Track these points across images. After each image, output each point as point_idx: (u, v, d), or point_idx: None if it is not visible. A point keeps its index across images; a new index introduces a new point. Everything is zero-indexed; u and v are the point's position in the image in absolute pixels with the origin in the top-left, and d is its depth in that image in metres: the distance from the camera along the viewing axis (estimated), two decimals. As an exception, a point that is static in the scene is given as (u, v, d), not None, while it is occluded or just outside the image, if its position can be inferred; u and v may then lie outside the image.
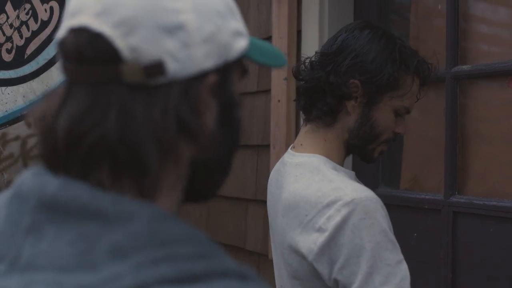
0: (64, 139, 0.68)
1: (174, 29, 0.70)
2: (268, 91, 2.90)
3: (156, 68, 0.69)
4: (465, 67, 2.19)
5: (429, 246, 2.30)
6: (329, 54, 1.51)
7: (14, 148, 2.24)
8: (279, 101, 2.75)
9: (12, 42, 2.14)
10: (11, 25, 2.15)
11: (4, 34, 2.16)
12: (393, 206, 2.46)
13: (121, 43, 0.68)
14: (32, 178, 0.69)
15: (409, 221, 2.38)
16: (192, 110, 0.71)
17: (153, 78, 0.69)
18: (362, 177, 2.55)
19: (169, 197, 0.72)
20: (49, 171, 0.70)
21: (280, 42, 2.76)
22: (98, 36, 0.68)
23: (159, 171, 0.69)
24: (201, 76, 0.72)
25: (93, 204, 0.66)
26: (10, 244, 0.67)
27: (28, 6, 2.13)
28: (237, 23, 0.77)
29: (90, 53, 0.69)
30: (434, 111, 2.33)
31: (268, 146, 2.87)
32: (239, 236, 3.16)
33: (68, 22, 0.71)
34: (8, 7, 2.16)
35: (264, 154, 2.92)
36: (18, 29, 2.14)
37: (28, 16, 2.14)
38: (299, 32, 2.73)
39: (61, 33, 0.72)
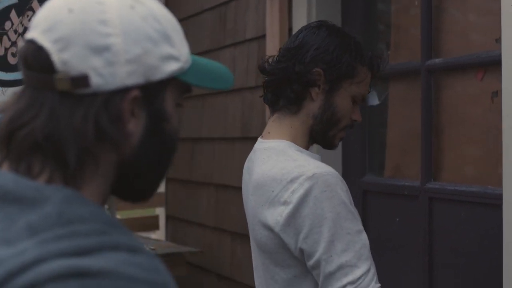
0: (5, 131, 0.85)
1: (101, 49, 0.83)
2: (265, 86, 3.04)
3: (82, 80, 0.83)
4: (437, 60, 2.31)
5: (409, 230, 2.43)
6: (293, 49, 1.66)
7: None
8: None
9: (16, 47, 2.33)
10: (15, 31, 2.34)
11: (9, 39, 2.35)
12: (378, 193, 2.60)
13: (56, 56, 0.83)
14: None
15: (392, 207, 2.52)
16: (111, 119, 0.83)
17: (79, 89, 0.83)
18: (350, 166, 2.70)
19: (92, 188, 0.85)
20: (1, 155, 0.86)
21: (272, 40, 2.91)
22: (40, 49, 0.84)
23: (81, 166, 0.83)
24: (123, 91, 0.84)
25: (16, 191, 0.81)
26: None
27: (30, 13, 2.32)
28: (170, 48, 0.88)
29: (33, 62, 0.85)
30: (412, 103, 2.45)
31: (265, 138, 3.01)
32: (243, 223, 3.31)
33: (27, 34, 0.88)
34: (13, 14, 2.35)
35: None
36: (22, 34, 2.33)
37: (30, 23, 2.32)
38: (290, 30, 2.88)
39: (21, 42, 0.89)
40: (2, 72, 2.30)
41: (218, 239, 3.58)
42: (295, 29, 2.82)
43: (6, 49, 2.31)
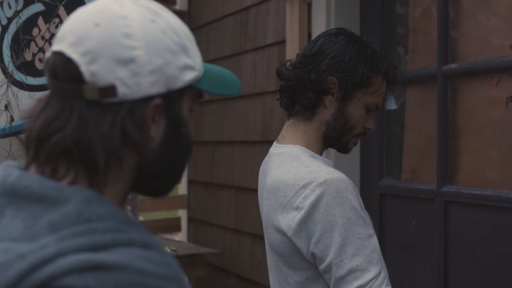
0: (35, 138, 0.91)
1: (126, 61, 0.90)
2: (285, 90, 3.08)
3: (109, 90, 0.89)
4: (453, 65, 2.35)
5: (425, 233, 2.46)
6: (310, 56, 1.70)
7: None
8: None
9: (43, 52, 2.40)
10: (42, 37, 2.42)
11: (37, 45, 2.43)
12: (395, 196, 2.64)
13: (85, 68, 0.89)
14: (1, 169, 0.92)
15: (408, 210, 2.55)
16: (136, 125, 0.90)
17: (106, 98, 0.89)
18: (368, 170, 2.74)
19: (114, 190, 0.92)
20: (25, 159, 0.93)
21: (292, 45, 2.96)
22: (69, 61, 0.90)
23: (105, 169, 0.90)
24: (147, 99, 0.91)
25: (40, 191, 0.87)
26: None
27: (57, 20, 2.40)
28: (187, 59, 0.95)
29: (62, 73, 0.91)
30: (428, 107, 2.49)
31: (285, 141, 3.06)
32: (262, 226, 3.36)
33: (53, 46, 0.94)
34: (40, 21, 2.43)
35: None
36: (49, 40, 2.41)
37: (57, 29, 2.40)
38: (309, 35, 2.92)
39: (47, 54, 0.94)
40: (30, 77, 2.38)
41: (238, 240, 3.63)
42: (314, 34, 2.87)
43: (34, 55, 2.40)
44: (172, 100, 0.94)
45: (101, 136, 0.89)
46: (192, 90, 0.97)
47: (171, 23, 0.95)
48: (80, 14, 0.94)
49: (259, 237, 3.38)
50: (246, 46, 3.56)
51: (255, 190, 3.38)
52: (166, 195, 1.01)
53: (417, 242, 2.50)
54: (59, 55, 0.91)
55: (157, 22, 0.93)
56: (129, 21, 0.91)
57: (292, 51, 2.95)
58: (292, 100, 1.73)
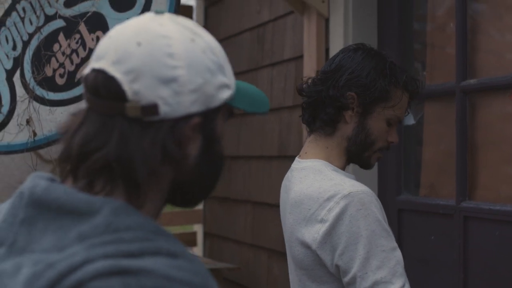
0: (76, 154, 0.92)
1: (169, 81, 0.90)
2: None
3: (152, 109, 0.90)
4: (472, 81, 2.35)
5: (444, 248, 2.45)
6: (329, 72, 1.72)
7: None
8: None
9: (64, 68, 2.43)
10: (63, 53, 2.44)
11: (57, 61, 2.45)
12: (413, 212, 2.63)
13: (127, 87, 0.90)
14: (30, 180, 0.93)
15: (427, 225, 2.54)
16: (175, 143, 0.91)
17: (148, 116, 0.90)
18: (386, 185, 2.74)
19: (153, 205, 0.94)
20: (61, 174, 0.94)
21: (310, 60, 2.97)
22: (111, 79, 0.91)
23: (145, 185, 0.91)
24: (187, 118, 0.92)
25: (70, 203, 0.88)
26: (9, 232, 0.89)
27: (77, 36, 2.42)
28: (224, 77, 0.96)
29: (103, 91, 0.91)
30: (447, 123, 2.49)
31: (302, 156, 3.06)
32: (279, 240, 3.36)
33: (93, 64, 0.94)
34: (61, 37, 2.45)
35: (300, 165, 3.11)
36: (69, 56, 2.44)
37: (78, 45, 2.43)
38: (327, 50, 2.94)
39: (86, 70, 0.95)
40: (51, 92, 2.41)
41: (255, 256, 3.63)
42: (332, 50, 2.88)
43: (54, 70, 2.42)
44: (209, 118, 0.95)
45: (142, 153, 0.90)
46: (225, 108, 0.98)
47: (209, 43, 0.97)
48: (120, 32, 0.95)
49: (276, 253, 3.37)
50: (263, 62, 3.57)
51: (271, 205, 3.38)
52: (195, 206, 1.03)
53: (436, 257, 2.49)
54: (100, 73, 0.92)
55: (196, 41, 0.95)
56: (170, 41, 0.92)
57: (309, 67, 2.96)
58: (313, 116, 1.74)
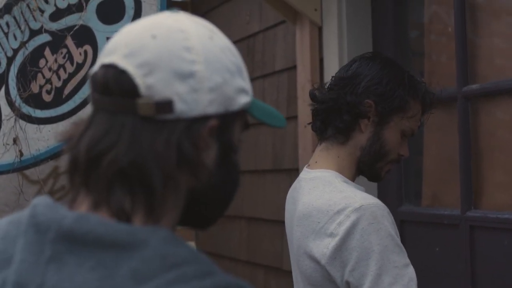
0: (84, 160, 0.81)
1: (186, 76, 0.82)
2: (296, 117, 3.03)
3: (166, 105, 0.81)
4: (474, 86, 2.29)
5: (449, 259, 2.38)
6: (346, 78, 1.65)
7: (66, 180, 2.43)
8: (305, 126, 2.88)
9: (51, 84, 2.34)
10: (50, 69, 2.35)
11: (44, 77, 2.37)
12: (416, 223, 2.56)
13: (140, 81, 0.81)
14: (47, 211, 0.81)
15: (431, 236, 2.47)
16: (192, 146, 0.82)
17: (162, 114, 0.81)
18: (387, 196, 2.66)
19: (171, 218, 0.84)
20: (71, 188, 0.83)
21: (304, 70, 2.91)
22: (123, 72, 0.82)
23: (162, 193, 0.81)
24: (204, 119, 0.83)
25: (108, 236, 0.77)
26: (34, 272, 0.78)
27: (64, 50, 2.34)
28: (243, 81, 0.88)
29: (114, 86, 0.82)
30: (448, 130, 2.42)
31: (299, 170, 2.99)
32: (276, 256, 3.28)
33: (102, 60, 0.85)
34: (47, 52, 2.37)
35: (296, 178, 3.04)
36: (56, 72, 2.35)
37: (65, 60, 2.34)
38: (321, 60, 2.87)
39: (94, 68, 0.86)
40: (38, 110, 2.31)
41: (251, 273, 3.54)
42: (326, 59, 2.82)
43: (41, 87, 2.33)
44: (227, 124, 0.86)
45: (155, 156, 0.80)
46: (243, 117, 0.89)
47: (227, 43, 0.89)
48: (132, 27, 0.87)
49: (273, 269, 3.29)
50: (254, 73, 3.50)
51: (267, 221, 3.31)
52: (208, 227, 0.92)
53: (442, 270, 2.42)
54: (111, 67, 0.83)
55: (215, 39, 0.87)
56: (187, 35, 0.84)
57: (304, 77, 2.89)
58: (325, 124, 1.67)
